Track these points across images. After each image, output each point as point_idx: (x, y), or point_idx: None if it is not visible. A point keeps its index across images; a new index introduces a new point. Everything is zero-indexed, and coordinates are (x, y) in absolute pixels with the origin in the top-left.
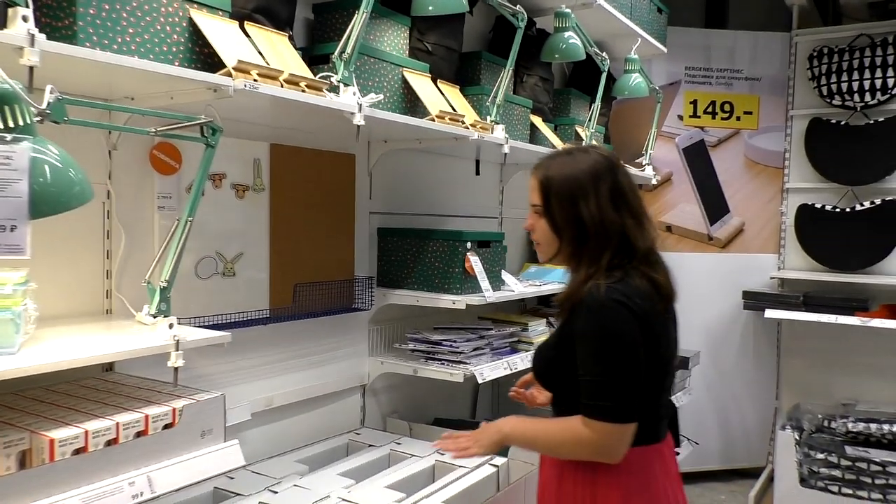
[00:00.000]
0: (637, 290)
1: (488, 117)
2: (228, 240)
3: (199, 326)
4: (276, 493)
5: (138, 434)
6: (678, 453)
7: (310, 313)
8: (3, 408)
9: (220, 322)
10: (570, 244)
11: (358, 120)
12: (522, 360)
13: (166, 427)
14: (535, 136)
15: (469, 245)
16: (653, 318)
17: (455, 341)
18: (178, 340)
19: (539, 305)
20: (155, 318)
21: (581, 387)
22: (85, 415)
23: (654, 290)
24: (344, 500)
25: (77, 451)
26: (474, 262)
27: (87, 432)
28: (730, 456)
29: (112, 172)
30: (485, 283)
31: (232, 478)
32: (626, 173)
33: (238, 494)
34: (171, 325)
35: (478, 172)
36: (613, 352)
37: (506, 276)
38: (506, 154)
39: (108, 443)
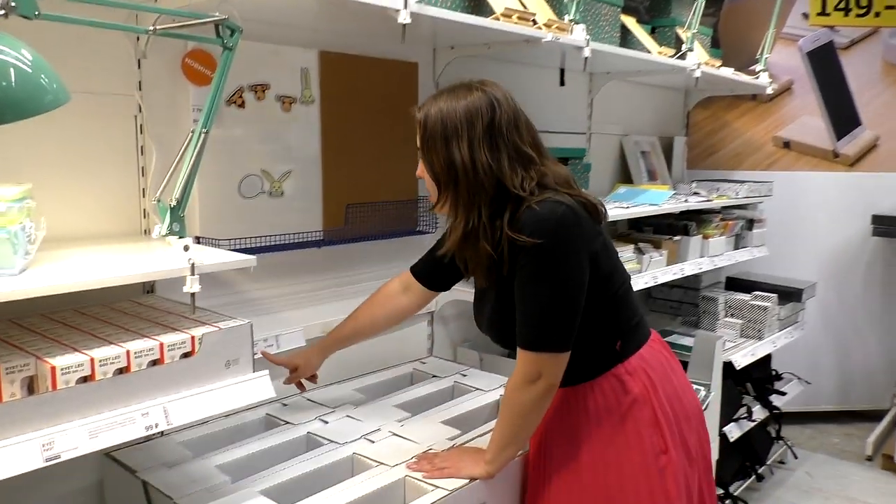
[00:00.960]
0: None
1: (566, 16)
2: (274, 157)
3: (241, 249)
4: (326, 423)
5: (154, 363)
6: None
7: (366, 236)
8: (23, 330)
9: (266, 244)
10: (447, 191)
11: (403, 18)
12: None
13: (185, 356)
14: (626, 39)
15: None
16: (598, 227)
17: None
18: (192, 264)
19: (630, 230)
20: (167, 238)
21: (523, 317)
22: (100, 340)
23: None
24: (394, 433)
25: (84, 380)
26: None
27: (92, 360)
28: (847, 396)
29: (143, 83)
30: None
31: (286, 405)
32: (512, 109)
33: (287, 423)
34: (186, 248)
35: (562, 83)
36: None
37: None
38: (586, 59)
39: (121, 371)
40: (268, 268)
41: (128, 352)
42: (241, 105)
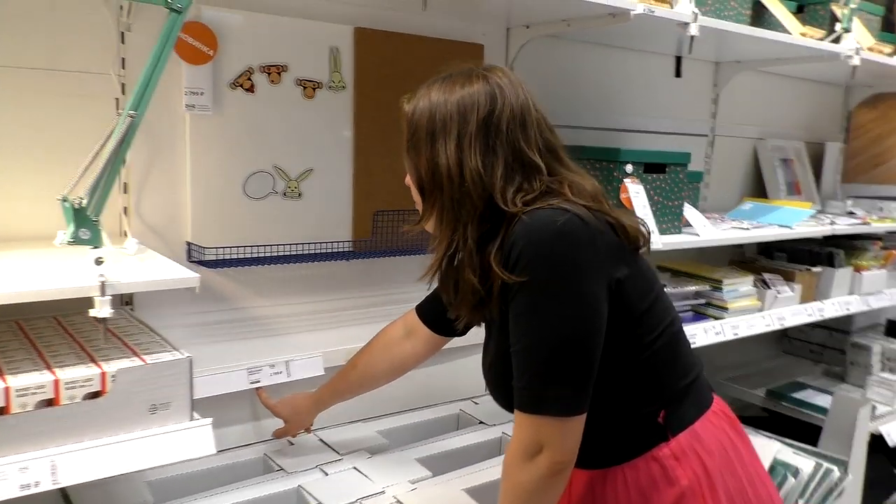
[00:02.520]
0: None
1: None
2: (291, 152)
3: (244, 259)
4: (326, 474)
5: (48, 403)
6: None
7: (405, 249)
8: None
9: (277, 254)
10: (430, 201)
11: None
12: (706, 333)
13: (92, 396)
14: (761, 17)
15: (629, 168)
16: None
17: None
18: (103, 283)
19: (758, 256)
20: (72, 246)
21: (517, 369)
22: None
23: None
24: (398, 501)
25: None
26: (634, 192)
27: None
28: None
29: (126, 61)
30: (648, 222)
31: (292, 443)
32: (520, 103)
33: (281, 469)
34: (98, 261)
35: (678, 73)
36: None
37: (691, 212)
38: (692, 38)
39: None
40: (279, 282)
41: (7, 388)
42: (250, 89)
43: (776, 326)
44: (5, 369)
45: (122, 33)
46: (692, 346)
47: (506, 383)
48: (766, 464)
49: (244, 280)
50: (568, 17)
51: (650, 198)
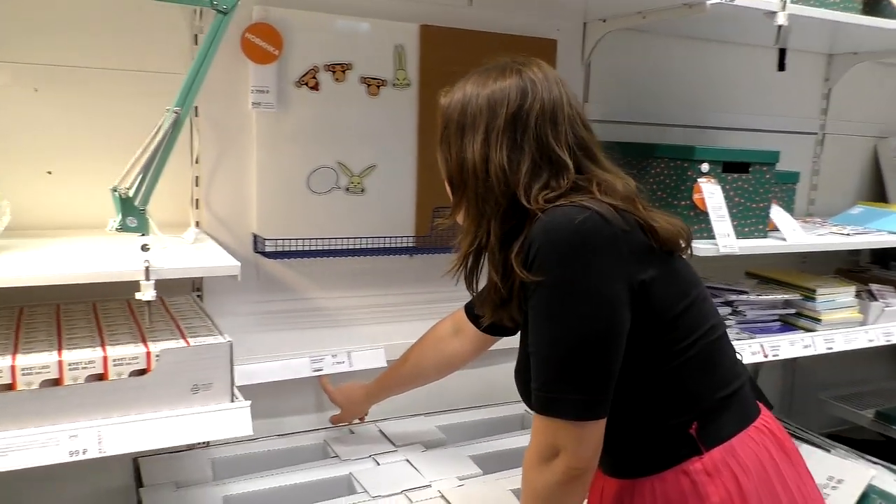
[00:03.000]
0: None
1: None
2: (355, 148)
3: (307, 251)
4: (378, 464)
5: (97, 377)
6: None
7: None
8: None
9: (340, 248)
10: (457, 196)
11: None
12: (793, 345)
13: (138, 373)
14: (877, 4)
15: (705, 167)
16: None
17: None
18: (147, 267)
19: (871, 265)
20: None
21: (534, 370)
22: (39, 344)
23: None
24: (442, 495)
25: (4, 388)
26: (709, 192)
27: (13, 367)
28: None
29: None
30: (722, 225)
31: (352, 432)
32: (552, 97)
33: (336, 456)
34: (144, 247)
35: (781, 67)
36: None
37: (779, 215)
38: (780, 28)
39: (51, 383)
40: (343, 275)
41: (60, 362)
42: (315, 87)
43: (881, 342)
44: (65, 345)
45: (196, 35)
46: (774, 358)
47: (525, 382)
48: (859, 490)
49: (307, 272)
50: (643, 8)
51: (730, 199)
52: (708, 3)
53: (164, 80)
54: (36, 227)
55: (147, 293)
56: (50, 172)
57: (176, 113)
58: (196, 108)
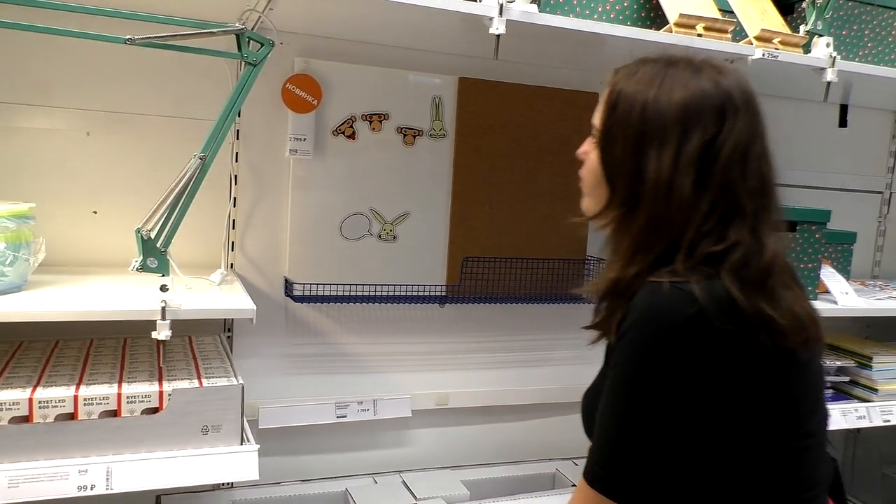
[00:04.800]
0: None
1: (802, 27)
2: (388, 196)
3: (336, 296)
4: None
5: (111, 414)
6: None
7: (495, 297)
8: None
9: (369, 294)
10: (621, 203)
11: (496, 28)
12: (845, 416)
13: (150, 412)
14: None
15: None
16: (763, 351)
17: None
18: (164, 307)
19: None
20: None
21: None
22: (58, 378)
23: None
24: None
25: (20, 420)
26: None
27: (31, 400)
28: None
29: (242, 109)
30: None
31: (377, 482)
32: (749, 127)
33: None
34: (163, 288)
35: (843, 123)
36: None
37: (831, 277)
38: (828, 84)
39: (66, 417)
40: (372, 321)
41: (76, 396)
42: (351, 136)
43: None
44: (85, 380)
45: None
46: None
47: (590, 417)
48: None
49: (337, 316)
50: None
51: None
52: (750, 58)
53: (208, 127)
54: (79, 264)
55: (163, 333)
56: (95, 212)
57: (201, 159)
58: (236, 154)
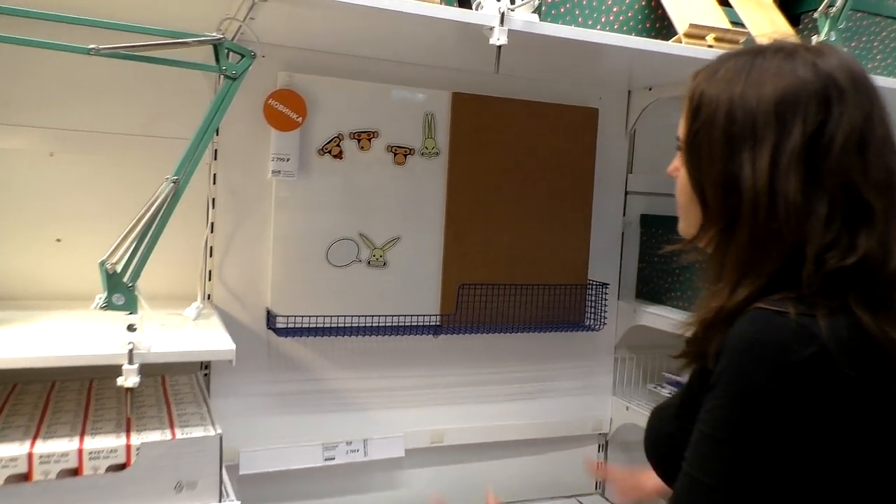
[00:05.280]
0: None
1: (814, 38)
2: (378, 219)
3: (323, 328)
4: None
5: (71, 472)
6: None
7: (491, 326)
8: None
9: (358, 325)
10: (717, 220)
11: (497, 38)
12: None
13: (116, 468)
14: None
15: None
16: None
17: None
18: (131, 350)
19: None
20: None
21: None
22: (21, 431)
23: None
24: None
25: None
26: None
27: None
28: None
29: (220, 127)
30: None
31: None
32: (863, 111)
33: None
34: (131, 327)
35: None
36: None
37: None
38: None
39: (19, 478)
40: (361, 354)
41: (30, 454)
42: (338, 155)
43: None
44: (42, 433)
45: None
46: None
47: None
48: None
49: (323, 350)
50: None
51: None
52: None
53: (182, 146)
54: (41, 298)
55: (130, 379)
56: (59, 240)
57: (174, 183)
58: (214, 175)
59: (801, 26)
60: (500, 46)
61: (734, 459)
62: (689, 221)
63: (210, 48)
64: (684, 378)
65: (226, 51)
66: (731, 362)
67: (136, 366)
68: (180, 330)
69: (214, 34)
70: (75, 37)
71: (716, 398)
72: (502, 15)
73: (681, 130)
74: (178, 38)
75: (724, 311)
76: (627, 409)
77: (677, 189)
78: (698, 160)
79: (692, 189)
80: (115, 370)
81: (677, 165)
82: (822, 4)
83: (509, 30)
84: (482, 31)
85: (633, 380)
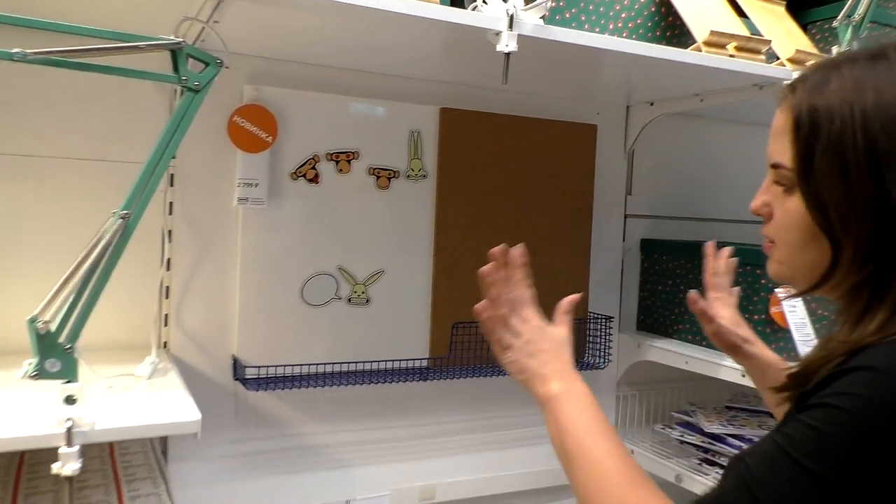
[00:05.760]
0: None
1: (835, 48)
2: (360, 251)
3: (300, 377)
4: None
5: None
6: None
7: (487, 368)
8: None
9: (340, 371)
10: (861, 259)
11: (506, 44)
12: None
13: None
14: None
15: None
16: None
17: (752, 439)
18: (69, 428)
19: None
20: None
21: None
22: None
23: None
24: None
25: None
26: (789, 306)
27: None
28: None
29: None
30: (810, 347)
31: None
32: None
33: None
34: (69, 399)
35: None
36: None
37: None
38: None
39: None
40: (342, 404)
41: None
42: (314, 179)
43: None
44: None
45: None
46: None
47: None
48: None
49: (299, 401)
50: (702, 90)
51: (812, 314)
52: (785, 82)
53: (134, 172)
54: None
55: (68, 465)
56: None
57: (123, 218)
58: (170, 204)
59: (809, 35)
60: (508, 54)
61: (816, 495)
62: (794, 263)
63: (167, 55)
64: (696, 417)
65: (186, 57)
66: (854, 390)
67: (76, 448)
68: (132, 394)
69: (172, 37)
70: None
71: (816, 420)
72: (511, 17)
73: (783, 156)
74: (127, 42)
75: (850, 345)
76: (633, 452)
77: (777, 226)
78: (826, 188)
79: (811, 225)
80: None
81: (769, 200)
82: (842, 13)
83: (519, 34)
84: (486, 37)
85: (636, 420)
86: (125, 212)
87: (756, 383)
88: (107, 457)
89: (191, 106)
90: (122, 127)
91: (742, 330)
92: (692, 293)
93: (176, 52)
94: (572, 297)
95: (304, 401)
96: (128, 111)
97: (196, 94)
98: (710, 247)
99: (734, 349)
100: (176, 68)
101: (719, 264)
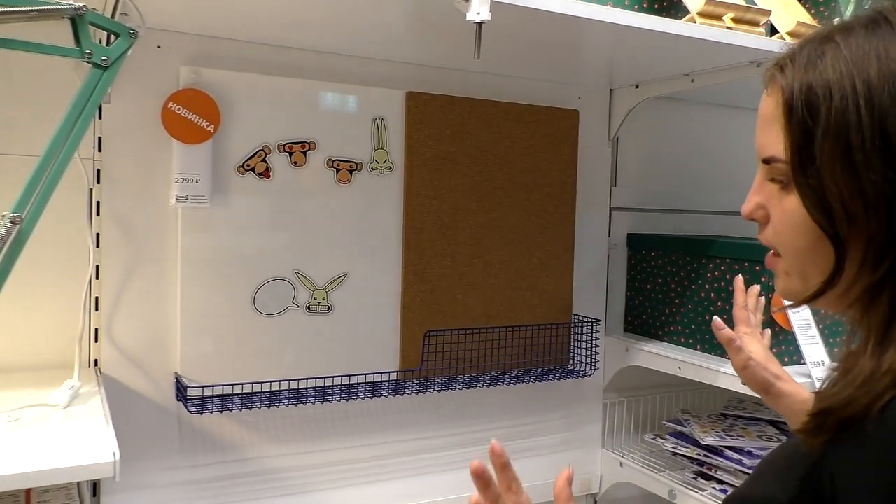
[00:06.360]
0: None
1: (836, 21)
2: (318, 253)
3: (251, 395)
4: None
5: None
6: None
7: (463, 378)
8: None
9: (299, 389)
10: (869, 258)
11: (477, 12)
12: None
13: None
14: None
15: None
16: None
17: (751, 451)
18: None
19: None
20: None
21: None
22: None
23: None
24: None
25: None
26: (793, 307)
27: None
28: None
29: (103, 141)
30: (814, 350)
31: None
32: None
33: None
34: None
35: None
36: None
37: None
38: None
39: None
40: (301, 424)
41: None
42: (264, 174)
43: None
44: None
45: (100, 107)
46: None
47: None
48: None
49: (254, 422)
50: (692, 70)
51: (816, 313)
52: (772, 62)
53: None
54: None
55: None
56: None
57: (13, 222)
58: (97, 204)
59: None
60: (480, 24)
61: None
62: (797, 269)
63: (68, 24)
64: (690, 427)
65: (88, 26)
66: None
67: None
68: (42, 427)
69: (70, 2)
70: None
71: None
72: None
73: (776, 148)
74: (13, 6)
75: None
76: (621, 464)
77: (775, 230)
78: (829, 180)
79: (817, 225)
80: None
81: (762, 201)
82: None
83: (492, 1)
84: (454, 4)
85: (624, 429)
86: (15, 214)
87: (790, 423)
88: (22, 499)
89: (98, 86)
90: (24, 114)
91: (774, 367)
92: (717, 319)
93: (76, 20)
94: (565, 477)
95: (259, 421)
96: (31, 95)
97: (105, 70)
98: (739, 280)
99: (765, 387)
100: (78, 41)
101: (749, 301)
